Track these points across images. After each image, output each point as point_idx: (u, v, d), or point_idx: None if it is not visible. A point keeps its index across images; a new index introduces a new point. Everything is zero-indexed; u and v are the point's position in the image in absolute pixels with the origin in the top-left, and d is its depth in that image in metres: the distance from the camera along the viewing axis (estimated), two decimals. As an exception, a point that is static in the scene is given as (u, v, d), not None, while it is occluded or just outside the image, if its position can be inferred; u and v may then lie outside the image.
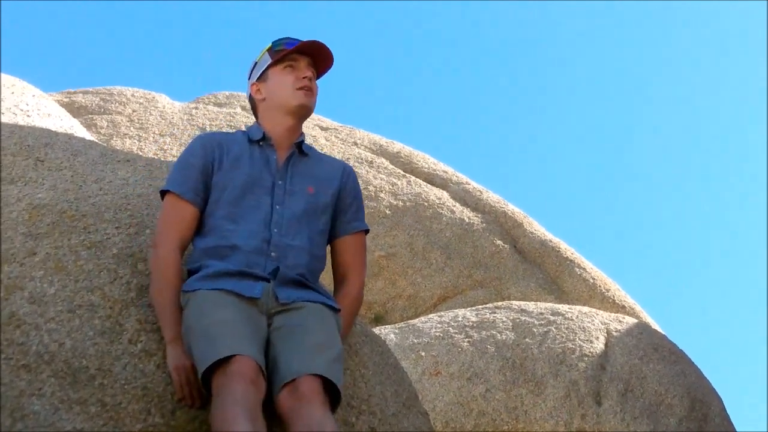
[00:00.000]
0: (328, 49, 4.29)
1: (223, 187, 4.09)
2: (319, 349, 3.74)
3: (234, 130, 4.72)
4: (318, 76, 4.34)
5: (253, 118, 4.44)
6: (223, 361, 3.54)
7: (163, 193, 4.10)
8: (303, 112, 4.23)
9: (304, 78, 4.22)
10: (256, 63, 4.36)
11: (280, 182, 4.13)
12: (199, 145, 4.19)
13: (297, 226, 4.07)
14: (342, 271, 4.24)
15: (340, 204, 4.25)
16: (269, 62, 4.28)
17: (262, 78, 4.31)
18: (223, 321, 3.68)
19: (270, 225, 4.03)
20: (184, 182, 4.07)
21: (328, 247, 4.30)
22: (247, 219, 4.02)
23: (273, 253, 3.98)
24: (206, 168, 4.12)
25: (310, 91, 4.22)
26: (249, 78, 4.39)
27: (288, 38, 4.30)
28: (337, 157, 9.16)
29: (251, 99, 4.38)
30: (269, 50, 4.30)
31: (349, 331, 4.22)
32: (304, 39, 4.28)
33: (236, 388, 3.47)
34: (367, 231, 4.33)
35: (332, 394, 3.71)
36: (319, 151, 4.40)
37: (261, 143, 4.22)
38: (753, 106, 42.33)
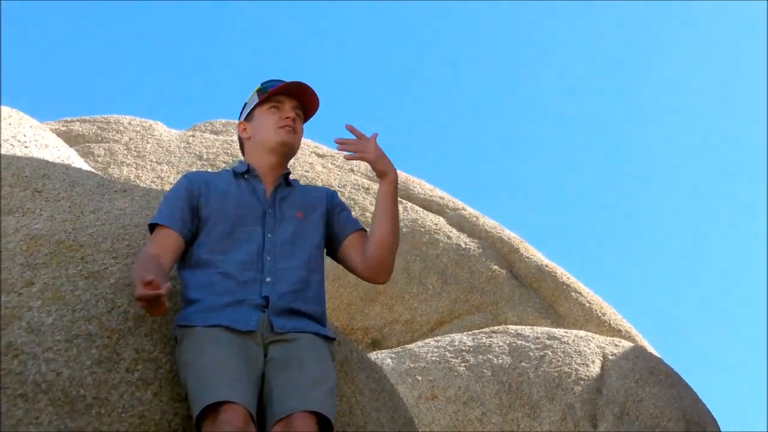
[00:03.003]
0: (313, 90, 4.36)
1: (214, 222, 4.12)
2: (312, 383, 3.74)
3: (225, 166, 4.79)
4: (306, 118, 4.43)
5: None
6: (214, 407, 3.55)
7: (152, 227, 4.13)
8: (285, 150, 4.30)
9: (286, 118, 4.30)
10: (246, 104, 4.45)
11: (270, 211, 4.18)
12: (185, 181, 4.24)
13: (290, 248, 4.11)
14: (364, 246, 4.27)
15: (332, 220, 4.31)
16: (256, 102, 4.38)
17: (248, 118, 4.41)
18: (216, 362, 3.68)
19: (263, 254, 4.06)
20: (171, 214, 4.11)
21: (339, 260, 4.35)
22: (239, 250, 4.05)
23: (268, 279, 4.01)
24: (192, 203, 4.17)
25: (292, 129, 4.29)
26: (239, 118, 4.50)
27: (276, 80, 4.38)
28: (333, 185, 9.18)
29: (239, 138, 4.47)
30: (258, 91, 4.40)
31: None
32: (292, 80, 4.36)
33: None
34: (365, 231, 4.36)
35: (325, 427, 3.71)
36: (317, 175, 4.47)
37: (246, 176, 4.28)
38: (753, 107, 42.28)
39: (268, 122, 4.31)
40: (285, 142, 4.28)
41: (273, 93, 4.34)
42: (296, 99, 4.37)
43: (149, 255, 3.95)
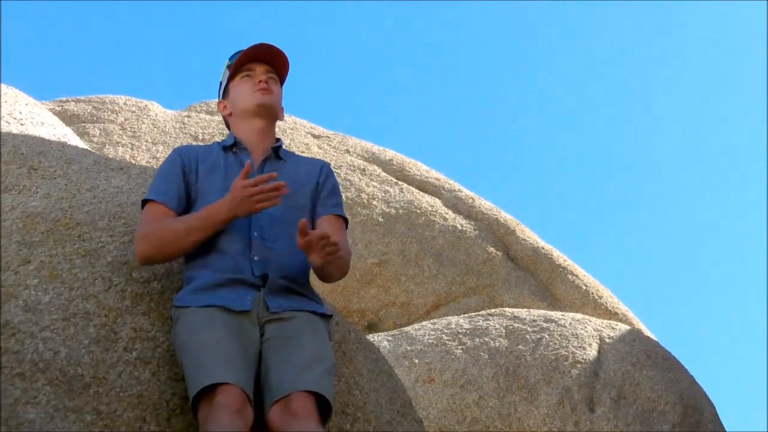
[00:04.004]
0: (278, 49, 4.32)
1: (203, 195, 4.08)
2: (310, 363, 3.71)
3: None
4: (280, 79, 4.38)
5: None
6: (210, 389, 3.52)
7: (144, 203, 4.09)
8: (264, 111, 4.25)
9: (259, 82, 4.26)
10: (221, 82, 4.43)
11: None
12: (177, 156, 4.21)
13: (278, 227, 4.05)
14: None
15: (318, 198, 4.23)
16: (228, 77, 4.36)
17: (225, 94, 4.39)
18: (212, 343, 3.65)
19: (250, 228, 4.01)
20: (166, 191, 4.07)
21: None
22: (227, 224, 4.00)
23: (255, 257, 3.96)
24: (186, 177, 4.13)
25: (266, 90, 4.25)
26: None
27: (242, 50, 4.34)
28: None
29: (224, 118, 4.45)
30: (228, 66, 4.36)
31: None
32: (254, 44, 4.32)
33: (222, 418, 3.44)
34: (345, 220, 4.28)
35: (323, 406, 3.68)
36: (312, 156, 4.41)
37: (234, 149, 4.23)
38: (753, 107, 42.36)
39: (242, 91, 4.28)
40: (262, 103, 4.24)
41: (239, 62, 4.31)
42: (267, 63, 4.33)
43: (154, 221, 3.95)
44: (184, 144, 12.10)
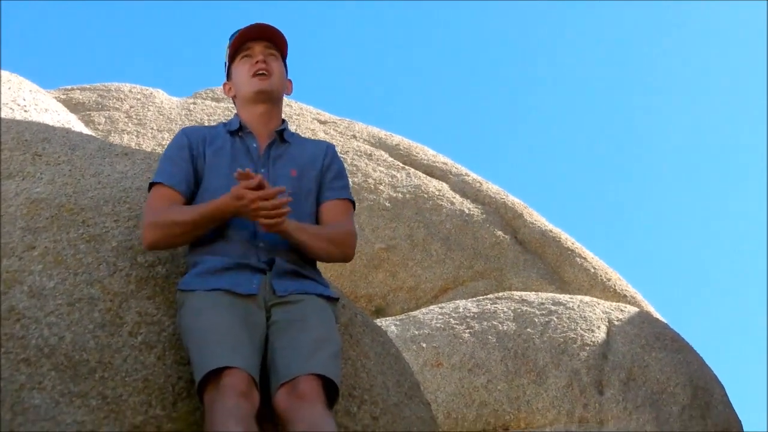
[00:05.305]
0: (273, 27, 4.27)
1: (209, 179, 4.07)
2: (316, 345, 3.69)
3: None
4: (282, 53, 4.34)
5: None
6: (216, 373, 3.51)
7: (152, 186, 4.06)
8: (263, 97, 4.22)
9: (256, 63, 4.21)
10: (225, 62, 4.39)
11: (262, 170, 4.09)
12: (184, 137, 4.18)
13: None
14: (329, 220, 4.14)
15: (323, 182, 4.20)
16: (229, 57, 4.32)
17: (229, 75, 4.35)
18: (218, 326, 3.64)
19: None
20: (173, 174, 4.05)
21: None
22: None
23: (261, 244, 3.95)
24: (194, 159, 4.11)
25: (263, 74, 4.20)
26: None
27: (240, 29, 4.30)
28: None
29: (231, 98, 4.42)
30: (228, 46, 4.32)
31: (300, 232, 4.00)
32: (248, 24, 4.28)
33: (228, 402, 3.43)
34: (352, 202, 4.25)
35: (330, 389, 3.67)
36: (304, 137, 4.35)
37: (240, 133, 4.21)
38: (753, 106, 42.27)
39: (242, 73, 4.25)
40: (260, 90, 4.21)
41: (236, 43, 4.28)
42: (266, 40, 4.29)
43: (162, 208, 3.93)
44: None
